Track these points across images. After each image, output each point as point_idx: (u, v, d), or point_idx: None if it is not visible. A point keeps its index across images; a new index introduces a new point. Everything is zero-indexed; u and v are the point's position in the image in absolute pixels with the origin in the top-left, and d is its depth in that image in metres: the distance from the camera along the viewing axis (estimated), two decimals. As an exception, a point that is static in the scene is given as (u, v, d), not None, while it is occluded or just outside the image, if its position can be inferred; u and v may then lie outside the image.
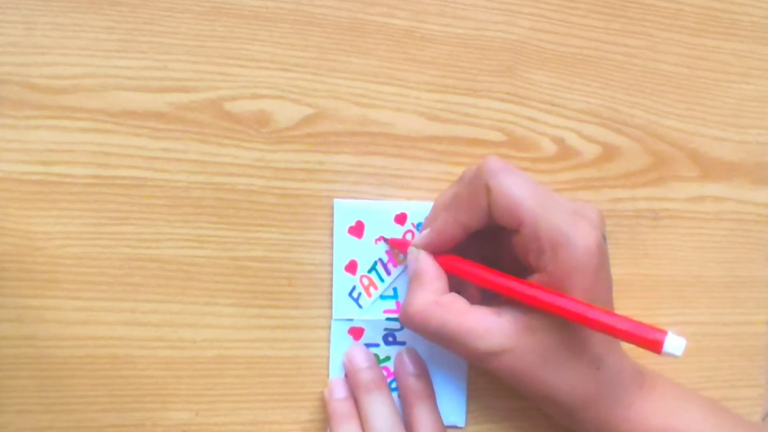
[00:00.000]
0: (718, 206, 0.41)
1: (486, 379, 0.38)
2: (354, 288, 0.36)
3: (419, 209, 0.36)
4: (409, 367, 0.36)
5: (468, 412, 0.38)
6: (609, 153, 0.40)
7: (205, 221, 0.35)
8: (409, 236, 0.36)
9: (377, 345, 0.36)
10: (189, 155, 0.35)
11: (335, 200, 0.36)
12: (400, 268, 0.36)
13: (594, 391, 0.32)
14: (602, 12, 0.39)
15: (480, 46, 0.38)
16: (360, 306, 0.36)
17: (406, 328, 0.33)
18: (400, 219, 0.36)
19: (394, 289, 0.36)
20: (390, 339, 0.36)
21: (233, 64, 0.35)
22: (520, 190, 0.30)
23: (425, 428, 0.34)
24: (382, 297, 0.36)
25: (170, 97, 0.34)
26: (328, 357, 0.36)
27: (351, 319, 0.36)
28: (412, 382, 0.35)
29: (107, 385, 0.34)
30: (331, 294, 0.36)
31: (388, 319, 0.36)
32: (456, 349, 0.31)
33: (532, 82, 0.39)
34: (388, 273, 0.36)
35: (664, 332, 0.26)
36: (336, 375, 0.36)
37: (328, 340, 0.36)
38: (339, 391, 0.35)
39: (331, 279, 0.36)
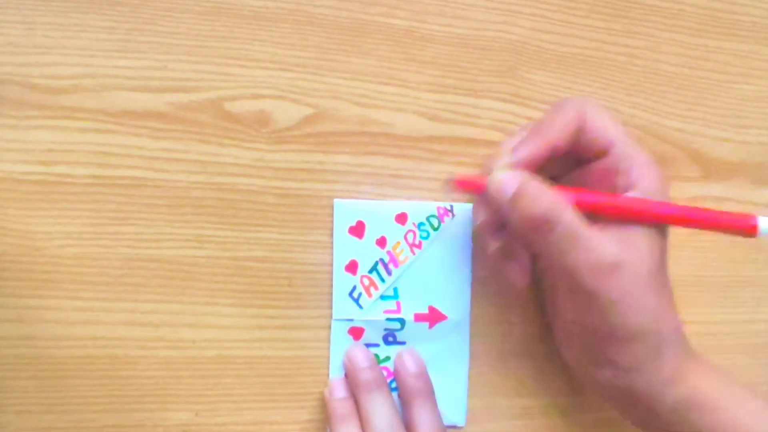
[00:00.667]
0: (719, 206, 0.41)
1: (486, 378, 0.38)
2: (354, 288, 0.36)
3: (420, 209, 0.36)
4: (409, 366, 0.36)
5: (468, 411, 0.38)
6: (609, 153, 0.40)
7: (205, 221, 0.35)
8: (410, 236, 0.36)
9: (377, 345, 0.36)
10: (189, 155, 0.35)
11: (335, 200, 0.36)
12: (401, 268, 0.36)
13: (671, 330, 0.32)
14: (603, 12, 0.39)
15: (480, 46, 0.38)
16: (360, 306, 0.36)
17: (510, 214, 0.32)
18: (401, 218, 0.36)
19: (395, 289, 0.36)
20: (390, 339, 0.36)
21: (233, 64, 0.35)
22: (610, 117, 0.33)
23: (425, 428, 0.34)
24: (382, 297, 0.36)
25: (170, 97, 0.34)
26: (328, 357, 0.36)
27: (351, 320, 0.36)
28: (412, 382, 0.35)
29: (107, 386, 0.34)
30: (331, 294, 0.36)
31: (388, 319, 0.36)
32: (561, 258, 0.31)
33: (532, 83, 0.39)
34: (389, 273, 0.36)
35: (754, 216, 0.31)
36: (336, 375, 0.36)
37: (328, 340, 0.36)
38: (339, 391, 0.35)
39: (331, 279, 0.36)
